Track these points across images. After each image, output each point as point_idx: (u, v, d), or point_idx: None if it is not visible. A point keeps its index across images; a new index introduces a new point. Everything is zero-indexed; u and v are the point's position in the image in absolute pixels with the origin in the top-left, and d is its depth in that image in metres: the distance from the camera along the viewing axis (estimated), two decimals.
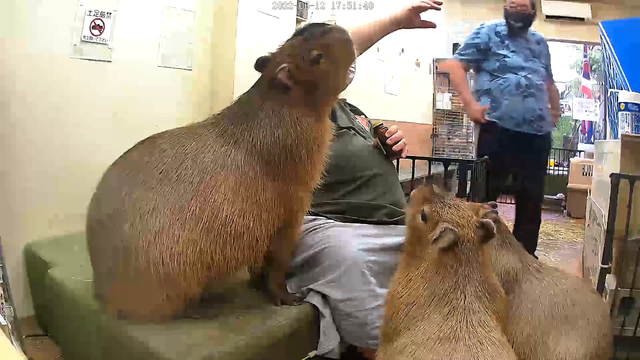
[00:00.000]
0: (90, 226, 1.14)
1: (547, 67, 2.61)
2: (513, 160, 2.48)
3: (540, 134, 2.49)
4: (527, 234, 2.53)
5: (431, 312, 0.90)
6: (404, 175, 2.45)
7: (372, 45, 1.45)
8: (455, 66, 2.62)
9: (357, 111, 1.73)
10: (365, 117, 1.74)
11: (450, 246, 0.90)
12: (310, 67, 1.13)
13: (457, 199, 1.00)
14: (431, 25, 1.46)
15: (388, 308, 1.00)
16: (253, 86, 1.21)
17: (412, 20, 1.40)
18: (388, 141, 1.54)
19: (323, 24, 1.18)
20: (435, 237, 0.92)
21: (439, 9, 1.45)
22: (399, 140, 1.55)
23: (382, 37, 1.45)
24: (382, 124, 1.57)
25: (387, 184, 1.52)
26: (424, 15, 1.49)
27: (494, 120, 2.47)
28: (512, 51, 2.46)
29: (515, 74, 2.44)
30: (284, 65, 1.12)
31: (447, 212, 0.96)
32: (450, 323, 0.86)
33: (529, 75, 2.44)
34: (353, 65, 1.25)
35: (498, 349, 0.83)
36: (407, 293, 0.95)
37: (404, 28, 1.44)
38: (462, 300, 0.89)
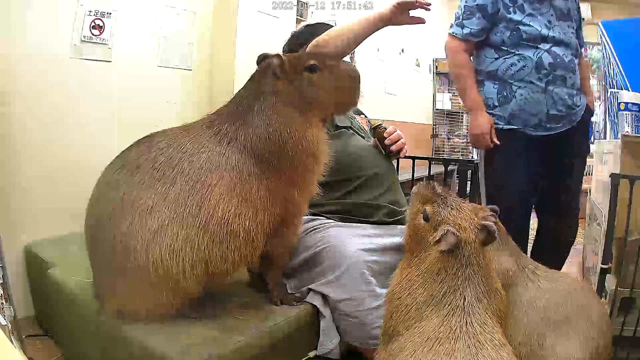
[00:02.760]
0: (89, 225, 1.14)
1: (578, 31, 1.73)
2: (538, 174, 1.69)
3: (571, 129, 1.66)
4: (554, 257, 1.72)
5: (430, 313, 0.90)
6: (404, 175, 2.45)
7: (360, 43, 1.45)
8: (454, 49, 1.69)
9: (356, 111, 1.73)
10: (365, 116, 1.74)
11: (452, 249, 0.90)
12: (302, 71, 1.16)
13: (459, 200, 1.00)
14: (420, 21, 1.43)
15: (387, 308, 1.00)
16: (245, 85, 1.22)
17: (398, 17, 1.38)
18: (386, 141, 1.54)
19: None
20: (436, 239, 0.92)
21: (428, 9, 1.42)
22: (398, 140, 1.55)
23: (370, 35, 1.43)
24: (380, 124, 1.57)
25: (386, 183, 1.52)
26: (428, 16, 1.48)
27: (506, 125, 1.64)
28: (528, 14, 1.59)
29: (536, 47, 1.58)
30: (280, 55, 1.15)
31: (449, 214, 0.95)
32: (450, 324, 0.86)
33: (554, 49, 1.58)
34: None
35: (498, 350, 0.83)
36: (406, 293, 0.95)
37: (392, 25, 1.42)
38: (461, 302, 0.89)
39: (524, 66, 1.59)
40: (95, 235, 1.12)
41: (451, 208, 0.96)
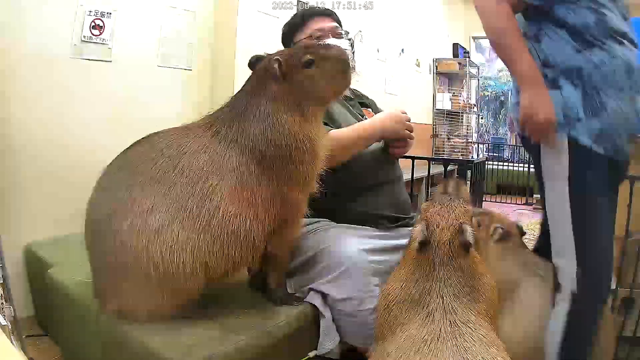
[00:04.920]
0: (89, 226, 1.14)
1: None
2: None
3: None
4: None
5: (413, 314, 0.89)
6: (404, 176, 2.44)
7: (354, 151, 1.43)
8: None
9: (365, 103, 1.68)
10: (372, 110, 1.69)
11: (420, 248, 0.89)
12: (300, 68, 1.16)
13: (459, 200, 0.97)
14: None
15: (377, 307, 1.00)
16: (243, 86, 1.22)
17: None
18: (397, 151, 1.52)
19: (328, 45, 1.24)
20: (413, 237, 0.91)
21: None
22: (404, 147, 1.53)
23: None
24: None
25: (393, 194, 1.49)
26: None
27: (594, 145, 1.10)
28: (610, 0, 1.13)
29: (621, 43, 1.13)
30: (277, 57, 1.15)
31: (434, 212, 0.94)
32: (432, 325, 0.85)
33: (634, 50, 1.16)
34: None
35: (486, 346, 0.82)
36: (392, 292, 0.95)
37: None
38: (439, 302, 0.88)
39: (615, 68, 1.11)
40: (95, 235, 1.12)
41: (440, 206, 0.94)
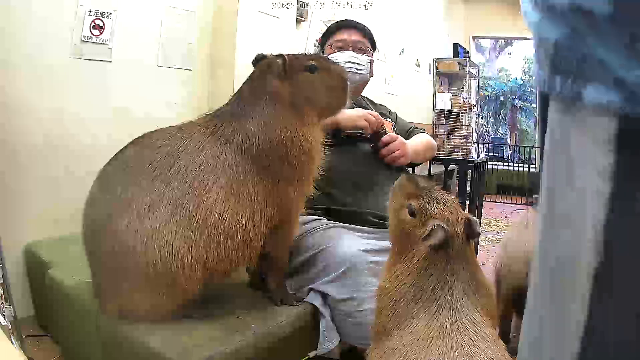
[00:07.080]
0: (87, 226, 1.14)
1: None
2: None
3: None
4: None
5: (419, 309, 0.89)
6: None
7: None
8: None
9: (385, 115, 1.68)
10: (391, 120, 1.70)
11: (442, 244, 0.89)
12: (302, 71, 1.18)
13: (443, 193, 0.98)
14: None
15: (377, 305, 0.99)
16: (244, 83, 1.23)
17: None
18: (383, 151, 1.52)
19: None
20: (426, 235, 0.90)
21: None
22: (394, 151, 1.52)
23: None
24: (384, 130, 1.53)
25: (378, 196, 1.46)
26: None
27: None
28: None
29: None
30: (283, 54, 1.18)
31: (436, 208, 0.94)
32: (439, 322, 0.85)
33: None
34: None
35: (490, 345, 0.82)
36: (395, 290, 0.94)
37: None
38: (449, 298, 0.88)
39: None
40: (93, 235, 1.12)
41: (437, 202, 0.95)
